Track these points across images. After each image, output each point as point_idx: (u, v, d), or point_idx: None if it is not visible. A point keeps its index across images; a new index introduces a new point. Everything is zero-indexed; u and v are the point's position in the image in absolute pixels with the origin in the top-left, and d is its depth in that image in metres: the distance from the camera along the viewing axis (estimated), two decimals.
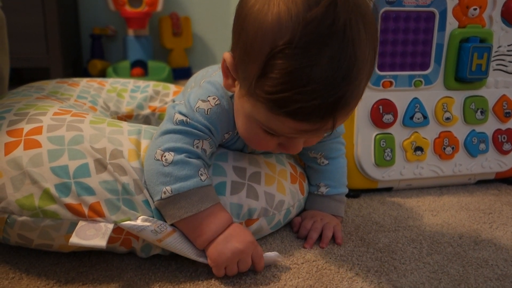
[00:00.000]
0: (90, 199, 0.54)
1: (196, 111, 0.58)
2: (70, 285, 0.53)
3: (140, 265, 0.58)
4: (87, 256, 0.59)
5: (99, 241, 0.51)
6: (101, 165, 0.56)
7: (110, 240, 0.54)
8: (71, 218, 0.53)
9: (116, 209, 0.54)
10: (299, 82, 0.44)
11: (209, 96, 0.58)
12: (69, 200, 0.53)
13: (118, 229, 0.54)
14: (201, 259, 0.56)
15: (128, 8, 1.84)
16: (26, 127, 0.59)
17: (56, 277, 0.55)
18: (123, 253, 0.60)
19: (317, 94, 0.44)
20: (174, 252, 0.56)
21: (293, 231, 0.68)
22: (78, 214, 0.53)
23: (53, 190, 0.53)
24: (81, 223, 0.53)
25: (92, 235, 0.52)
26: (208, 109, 0.58)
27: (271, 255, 0.58)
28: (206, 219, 0.55)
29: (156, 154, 0.56)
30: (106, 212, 0.54)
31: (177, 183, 0.54)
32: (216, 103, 0.58)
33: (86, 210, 0.53)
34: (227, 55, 0.53)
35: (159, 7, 1.91)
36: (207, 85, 0.60)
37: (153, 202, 0.56)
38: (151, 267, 0.58)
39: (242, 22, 0.49)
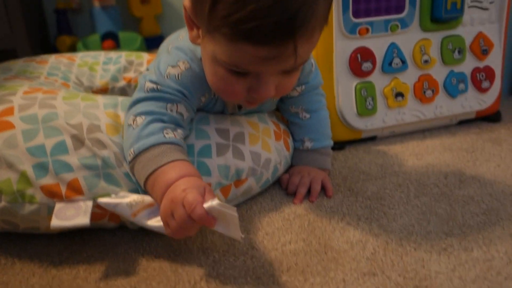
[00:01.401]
0: (69, 176, 0.53)
1: (167, 77, 0.57)
2: (65, 264, 0.53)
3: (133, 238, 0.58)
4: (79, 234, 0.59)
5: (81, 219, 0.50)
6: (79, 141, 0.55)
7: (97, 216, 0.54)
8: (47, 201, 0.52)
9: (95, 185, 0.53)
10: None
11: (178, 61, 0.58)
12: (46, 181, 0.52)
13: (100, 214, 0.54)
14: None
15: None
16: None
17: (50, 259, 0.54)
18: (114, 228, 0.59)
19: (272, 9, 0.43)
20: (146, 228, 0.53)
21: (282, 188, 0.68)
22: (55, 195, 0.52)
23: (30, 172, 0.52)
24: (58, 205, 0.52)
25: (72, 215, 0.51)
26: (178, 74, 0.57)
27: (212, 205, 0.45)
28: (166, 171, 0.50)
29: (129, 120, 0.55)
30: (85, 189, 0.53)
31: (138, 142, 0.53)
32: (186, 67, 0.58)
33: (63, 190, 0.52)
34: (186, 1, 0.52)
35: None
36: (175, 50, 0.60)
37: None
38: (145, 237, 0.57)
39: None
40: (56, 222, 0.50)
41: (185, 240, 0.56)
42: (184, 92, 0.57)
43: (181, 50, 0.59)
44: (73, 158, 0.53)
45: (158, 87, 0.57)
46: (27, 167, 0.52)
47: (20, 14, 1.50)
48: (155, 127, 0.54)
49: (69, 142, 0.54)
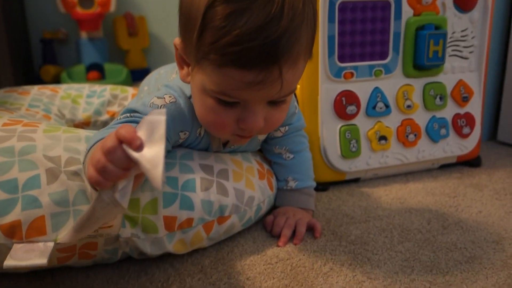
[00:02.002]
0: (35, 213, 0.50)
1: (150, 106, 0.57)
2: None
3: (108, 279, 0.55)
4: (50, 275, 0.56)
5: (38, 259, 0.47)
6: (53, 175, 0.52)
7: (65, 258, 0.51)
8: (6, 241, 0.49)
9: (62, 224, 0.51)
10: (238, 23, 0.45)
11: (165, 95, 0.59)
12: (8, 219, 0.49)
13: (68, 248, 0.51)
14: (94, 199, 0.43)
15: (79, 10, 1.77)
16: None
17: None
18: (88, 266, 0.57)
19: (256, 33, 0.45)
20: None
21: (267, 230, 0.67)
22: (14, 236, 0.49)
23: None
24: (16, 246, 0.49)
25: (29, 256, 0.48)
26: (161, 105, 0.58)
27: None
28: (96, 146, 0.45)
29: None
30: (48, 229, 0.50)
31: (93, 140, 0.50)
32: (171, 101, 0.59)
33: (24, 229, 0.49)
34: (176, 40, 0.55)
35: (112, 7, 1.84)
36: (164, 87, 0.61)
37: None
38: (120, 280, 0.55)
39: (180, 1, 0.52)
40: (11, 262, 0.47)
41: (162, 283, 0.54)
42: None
43: (170, 87, 0.61)
44: (44, 194, 0.51)
45: (133, 114, 0.56)
46: None
47: (5, 43, 1.49)
48: (110, 129, 0.52)
49: (43, 176, 0.52)
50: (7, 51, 1.50)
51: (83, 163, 0.51)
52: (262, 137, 0.70)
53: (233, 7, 0.45)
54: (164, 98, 0.59)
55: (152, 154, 0.38)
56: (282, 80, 0.49)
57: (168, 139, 0.59)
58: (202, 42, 0.48)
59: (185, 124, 0.60)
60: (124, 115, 0.57)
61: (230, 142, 0.65)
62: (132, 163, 0.39)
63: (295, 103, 0.71)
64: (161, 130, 0.39)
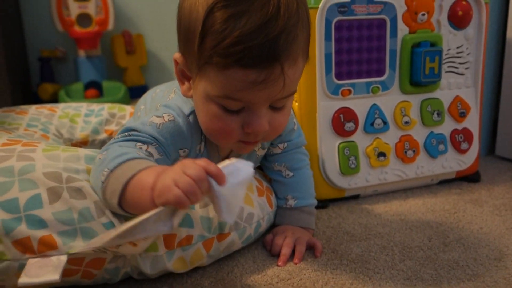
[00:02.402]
0: (41, 233, 0.50)
1: (149, 125, 0.58)
2: None
3: None
4: None
5: (52, 275, 0.47)
6: (55, 194, 0.52)
7: (69, 272, 0.51)
8: (20, 257, 0.49)
9: (72, 239, 0.51)
10: (238, 24, 0.47)
11: (164, 113, 0.60)
12: (16, 236, 0.49)
13: (76, 260, 0.51)
14: (157, 210, 0.45)
15: (77, 29, 1.78)
16: None
17: None
18: (87, 285, 0.56)
19: (255, 33, 0.47)
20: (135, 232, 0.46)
21: (266, 249, 0.66)
22: (27, 251, 0.49)
23: (0, 228, 0.49)
24: (30, 262, 0.49)
25: (43, 271, 0.48)
26: (160, 124, 0.58)
27: (228, 162, 0.46)
28: (144, 174, 0.47)
29: (96, 160, 0.54)
30: (59, 243, 0.50)
31: (112, 161, 0.51)
32: (170, 119, 0.59)
33: (35, 245, 0.50)
34: (176, 55, 0.57)
35: (110, 26, 1.86)
36: (163, 107, 0.61)
37: (103, 202, 0.53)
38: None
39: (179, 14, 0.54)
40: (25, 279, 0.47)
41: None
42: (159, 139, 0.57)
43: (168, 106, 0.61)
44: (47, 213, 0.51)
45: (131, 132, 0.57)
46: None
47: (3, 61, 1.49)
48: (126, 147, 0.53)
49: (44, 196, 0.52)
50: (5, 69, 1.50)
51: (103, 181, 0.51)
52: (261, 152, 0.70)
53: (232, 11, 0.47)
54: (163, 116, 0.59)
55: (231, 193, 0.45)
56: (285, 78, 0.50)
57: (167, 156, 0.59)
58: (204, 48, 0.50)
59: (185, 141, 0.60)
60: (122, 134, 0.57)
61: (234, 151, 0.64)
62: (210, 193, 0.44)
63: (294, 119, 0.71)
64: (246, 176, 0.46)
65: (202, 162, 0.45)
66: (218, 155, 0.65)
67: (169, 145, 0.58)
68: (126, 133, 0.57)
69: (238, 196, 0.47)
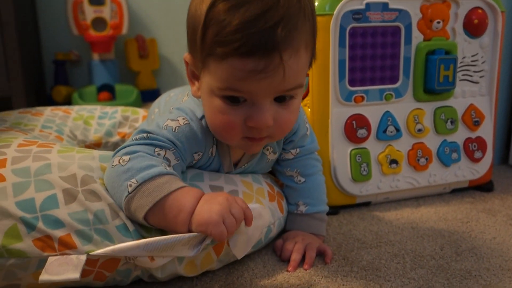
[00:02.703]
0: (59, 232, 0.51)
1: (164, 128, 0.58)
2: None
3: None
4: None
5: (72, 273, 0.48)
6: (70, 195, 0.53)
7: (84, 273, 0.51)
8: (40, 254, 0.50)
9: (89, 239, 0.51)
10: (237, 14, 0.48)
11: (178, 117, 0.60)
12: (36, 235, 0.50)
13: (91, 261, 0.51)
14: (192, 234, 0.50)
15: (92, 32, 1.80)
16: None
17: None
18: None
19: (254, 21, 0.47)
20: (163, 254, 0.50)
21: (276, 255, 0.66)
22: (47, 249, 0.50)
23: (19, 226, 0.50)
24: (50, 259, 0.50)
25: (63, 269, 0.49)
26: (176, 127, 0.59)
27: (254, 206, 0.54)
28: (180, 196, 0.51)
29: (113, 162, 0.55)
30: (78, 243, 0.51)
31: (140, 173, 0.52)
32: (185, 123, 0.60)
33: (56, 244, 0.50)
34: (186, 55, 0.58)
35: (124, 30, 1.88)
36: (176, 110, 0.62)
37: (124, 210, 0.53)
38: None
39: (187, 15, 0.56)
40: (46, 276, 0.48)
41: None
42: (176, 143, 0.58)
43: (182, 110, 0.61)
44: (63, 213, 0.52)
45: (149, 135, 0.57)
46: (16, 221, 0.50)
47: (19, 64, 1.51)
48: (151, 159, 0.54)
49: (60, 196, 0.53)
50: (21, 72, 1.53)
51: (130, 192, 0.52)
52: (272, 157, 0.70)
53: (232, 2, 0.48)
54: (178, 120, 0.60)
55: (251, 234, 0.54)
56: (284, 67, 0.49)
57: (183, 160, 0.60)
58: (206, 40, 0.51)
59: (199, 145, 0.61)
60: (140, 135, 0.58)
61: (242, 150, 0.64)
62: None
63: (307, 124, 0.71)
64: (265, 222, 0.57)
65: (242, 203, 0.52)
66: (229, 159, 0.65)
67: (185, 149, 0.59)
68: (144, 135, 0.58)
69: (254, 237, 0.55)
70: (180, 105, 0.63)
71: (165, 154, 0.57)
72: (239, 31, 0.48)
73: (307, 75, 0.62)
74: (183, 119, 0.60)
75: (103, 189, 0.55)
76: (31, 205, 0.51)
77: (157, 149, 0.56)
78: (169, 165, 0.57)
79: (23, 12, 1.64)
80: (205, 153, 0.62)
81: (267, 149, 0.68)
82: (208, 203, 0.51)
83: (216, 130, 0.58)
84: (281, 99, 0.54)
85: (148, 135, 0.57)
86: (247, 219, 0.52)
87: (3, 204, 0.51)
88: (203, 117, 0.60)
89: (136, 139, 0.57)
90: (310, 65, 0.57)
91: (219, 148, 0.64)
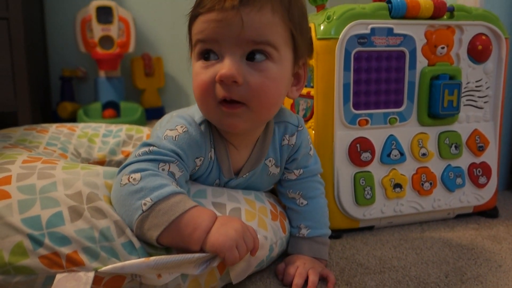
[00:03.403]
0: (66, 249, 0.50)
1: (164, 138, 0.59)
2: None
3: None
4: None
5: None
6: (76, 212, 0.53)
7: None
8: (47, 271, 0.50)
9: (96, 256, 0.51)
10: None
11: (177, 125, 0.61)
12: (43, 252, 0.50)
13: (96, 279, 0.51)
14: (202, 255, 0.52)
15: (99, 50, 1.83)
16: None
17: None
18: None
19: None
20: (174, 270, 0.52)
21: (278, 279, 0.65)
22: (54, 266, 0.50)
23: (26, 243, 0.50)
24: (58, 277, 0.49)
25: (71, 286, 0.48)
26: (176, 136, 0.60)
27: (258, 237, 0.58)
28: (196, 215, 0.53)
29: (122, 181, 0.55)
30: (85, 260, 0.51)
31: (154, 192, 0.53)
32: (184, 130, 0.60)
33: (63, 261, 0.50)
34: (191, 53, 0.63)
35: (131, 48, 1.90)
36: (175, 118, 0.63)
37: (133, 230, 0.53)
38: None
39: None
40: None
41: None
42: (179, 153, 0.59)
43: (180, 117, 0.63)
44: (69, 230, 0.51)
45: (151, 149, 0.58)
46: (22, 238, 0.50)
47: (26, 80, 1.53)
48: (162, 179, 0.55)
49: (66, 213, 0.53)
50: (27, 88, 1.54)
51: (144, 211, 0.52)
52: (274, 170, 0.69)
53: None
54: (177, 129, 0.60)
55: (252, 263, 0.58)
56: (242, 16, 0.54)
57: (187, 170, 0.60)
58: (190, 25, 0.60)
59: (200, 149, 0.62)
60: (142, 150, 0.58)
61: (220, 126, 0.62)
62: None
63: (310, 144, 0.71)
64: (264, 254, 0.60)
65: (253, 232, 0.56)
66: (228, 163, 0.65)
67: (188, 157, 0.60)
68: (147, 149, 0.58)
69: (252, 266, 0.58)
70: (179, 113, 0.64)
71: (169, 168, 0.58)
72: None
73: (310, 67, 0.67)
74: (181, 126, 0.61)
75: (109, 207, 0.55)
76: (37, 222, 0.51)
77: (161, 165, 0.57)
78: (175, 180, 0.58)
79: (32, 29, 1.66)
80: (206, 157, 0.63)
81: (269, 160, 0.68)
82: (224, 226, 0.53)
83: (197, 99, 0.60)
84: (251, 57, 0.56)
85: (150, 148, 0.58)
86: (254, 248, 0.55)
87: (10, 220, 0.51)
88: (202, 122, 0.62)
89: (139, 155, 0.58)
90: (294, 40, 0.60)
91: (217, 151, 0.64)
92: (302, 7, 0.62)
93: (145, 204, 0.52)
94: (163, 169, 0.57)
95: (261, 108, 0.59)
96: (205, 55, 0.58)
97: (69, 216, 0.52)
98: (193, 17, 0.59)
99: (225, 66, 0.55)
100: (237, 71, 0.55)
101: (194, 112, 0.64)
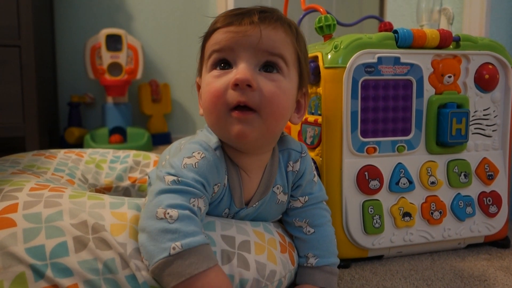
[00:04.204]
0: (67, 281, 0.50)
1: (184, 167, 0.58)
2: None
3: None
4: None
5: None
6: (81, 243, 0.52)
7: None
8: None
9: None
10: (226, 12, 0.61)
11: (193, 152, 0.61)
12: (43, 284, 0.49)
13: None
14: None
15: (107, 77, 1.85)
16: (0, 205, 0.56)
17: None
18: None
19: (237, 11, 0.61)
20: None
21: None
22: None
23: (27, 274, 0.49)
24: None
25: None
26: (195, 163, 0.59)
27: None
28: (214, 281, 0.52)
29: (158, 213, 0.54)
30: None
31: (186, 238, 0.52)
32: (201, 157, 0.60)
33: None
34: (197, 78, 0.66)
35: (139, 75, 1.93)
36: (189, 145, 0.63)
37: (150, 266, 0.52)
38: None
39: None
40: None
41: None
42: (203, 182, 0.58)
43: (195, 143, 0.62)
44: (73, 261, 0.51)
45: (179, 179, 0.57)
46: (26, 268, 0.49)
47: (35, 106, 1.55)
48: (196, 226, 0.54)
49: (70, 243, 0.52)
50: (36, 113, 1.56)
51: (171, 254, 0.51)
52: (282, 197, 0.69)
53: (227, 12, 0.61)
54: (194, 156, 0.60)
55: None
56: (260, 29, 0.58)
57: (208, 199, 0.60)
58: (205, 42, 0.63)
59: (218, 175, 0.61)
60: (170, 179, 0.57)
61: (231, 138, 0.61)
62: None
63: (314, 171, 0.71)
64: None
65: None
66: (240, 191, 0.65)
67: (209, 184, 0.60)
68: (175, 178, 0.57)
69: None
70: (193, 140, 0.64)
71: (198, 204, 0.57)
72: (224, 14, 0.61)
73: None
74: (198, 153, 0.60)
75: (113, 239, 0.54)
76: (41, 252, 0.51)
77: (192, 200, 0.56)
78: (200, 214, 0.57)
79: (43, 56, 1.69)
80: (221, 184, 0.63)
81: (277, 187, 0.68)
82: None
83: (206, 108, 0.60)
84: (265, 68, 0.59)
85: (179, 179, 0.57)
86: None
87: (13, 250, 0.50)
88: (217, 147, 0.62)
89: (170, 184, 0.57)
90: (299, 64, 0.64)
91: (230, 178, 0.64)
92: (305, 41, 0.66)
93: (174, 248, 0.51)
94: (193, 205, 0.56)
95: (272, 117, 0.59)
96: (220, 65, 0.60)
97: (73, 246, 0.52)
98: (209, 33, 0.62)
99: (240, 71, 0.57)
100: (252, 76, 0.57)
101: (207, 136, 0.64)
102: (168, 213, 0.53)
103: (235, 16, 0.59)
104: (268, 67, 0.59)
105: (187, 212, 0.54)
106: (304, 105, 0.68)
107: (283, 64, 0.60)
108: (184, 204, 0.55)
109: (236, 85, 0.57)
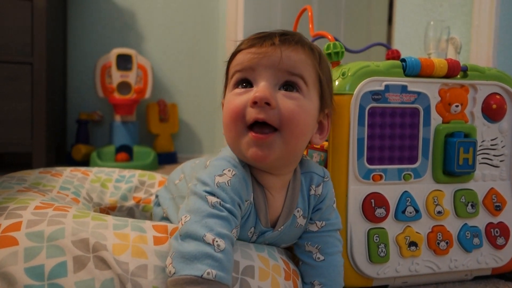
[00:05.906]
0: None
1: (217, 186, 0.58)
2: None
3: None
4: None
5: None
6: (80, 263, 0.52)
7: None
8: None
9: None
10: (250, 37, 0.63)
11: (223, 170, 0.60)
12: None
13: None
14: None
15: (116, 95, 1.88)
16: (4, 222, 0.56)
17: None
18: None
19: (260, 34, 0.63)
20: None
21: None
22: None
23: None
24: None
25: None
26: (228, 181, 0.59)
27: None
28: None
29: (206, 237, 0.54)
30: None
31: (222, 272, 0.53)
32: (233, 174, 0.60)
33: None
34: (222, 100, 0.67)
35: (147, 95, 1.95)
36: (216, 162, 0.62)
37: (174, 274, 0.52)
38: None
39: None
40: None
41: None
42: (239, 202, 0.59)
43: (223, 159, 0.62)
44: (70, 283, 0.51)
45: (221, 203, 0.57)
46: None
47: (44, 122, 1.57)
48: (232, 265, 0.55)
49: (70, 264, 0.52)
50: (44, 130, 1.57)
51: (202, 276, 0.51)
52: (301, 221, 0.68)
53: (250, 36, 0.63)
54: (225, 174, 0.60)
55: None
56: (281, 50, 0.59)
57: (239, 215, 0.60)
58: (229, 63, 0.64)
59: (248, 191, 0.62)
60: (213, 200, 0.57)
61: (249, 157, 0.61)
62: None
63: (334, 197, 0.71)
64: None
65: None
66: (265, 210, 0.64)
67: (243, 203, 0.60)
68: (216, 200, 0.57)
69: None
70: (218, 156, 0.64)
71: (236, 233, 0.58)
72: (248, 38, 0.63)
73: (327, 118, 0.69)
74: (229, 170, 0.60)
75: (113, 259, 0.54)
76: (40, 272, 0.51)
77: (234, 230, 0.57)
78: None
79: (54, 74, 1.72)
80: (249, 200, 0.62)
81: (298, 211, 0.67)
82: None
83: (226, 126, 0.61)
84: (285, 87, 0.60)
85: (222, 203, 0.57)
86: None
87: (11, 270, 0.50)
88: (244, 164, 0.62)
89: (213, 206, 0.56)
90: (321, 86, 0.64)
91: (255, 195, 0.63)
92: (328, 64, 0.68)
93: (208, 273, 0.51)
94: (234, 235, 0.57)
95: (292, 134, 0.60)
96: (241, 84, 0.61)
97: (73, 266, 0.52)
98: (234, 54, 0.64)
99: (260, 89, 0.58)
100: (271, 94, 0.58)
101: (232, 154, 0.63)
102: (216, 242, 0.54)
103: (258, 39, 0.61)
104: (288, 86, 0.60)
105: (230, 247, 0.55)
106: (327, 126, 0.68)
107: (302, 84, 0.61)
108: (229, 235, 0.56)
109: (255, 103, 0.58)
